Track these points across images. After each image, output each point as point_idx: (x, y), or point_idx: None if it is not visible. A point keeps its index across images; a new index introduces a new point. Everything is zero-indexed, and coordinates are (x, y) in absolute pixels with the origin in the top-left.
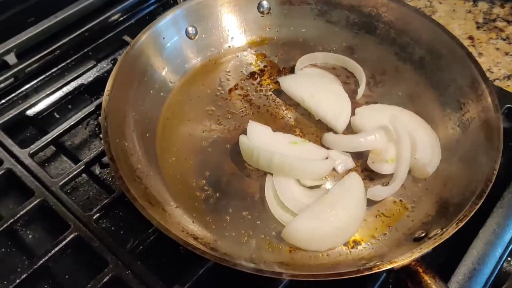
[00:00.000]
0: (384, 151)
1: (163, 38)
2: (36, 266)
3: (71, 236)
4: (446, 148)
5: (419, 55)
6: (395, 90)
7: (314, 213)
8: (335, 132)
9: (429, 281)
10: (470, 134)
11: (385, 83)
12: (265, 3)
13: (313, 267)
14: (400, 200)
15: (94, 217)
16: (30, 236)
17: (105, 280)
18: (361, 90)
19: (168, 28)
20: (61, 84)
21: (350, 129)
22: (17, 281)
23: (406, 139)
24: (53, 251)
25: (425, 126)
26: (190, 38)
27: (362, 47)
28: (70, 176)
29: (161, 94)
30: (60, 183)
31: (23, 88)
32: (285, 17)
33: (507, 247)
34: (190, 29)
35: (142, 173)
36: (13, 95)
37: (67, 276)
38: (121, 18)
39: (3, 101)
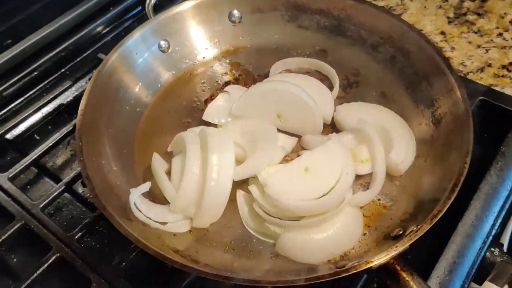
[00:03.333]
0: (358, 151)
1: (136, 53)
2: None
3: (53, 257)
4: (421, 144)
5: (390, 54)
6: (369, 90)
7: (309, 224)
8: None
9: (407, 279)
10: (442, 129)
11: (359, 83)
12: (236, 12)
13: (294, 271)
14: (379, 199)
15: (76, 237)
16: (15, 259)
17: None
18: (335, 91)
19: (138, 45)
20: (40, 105)
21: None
22: None
23: (378, 141)
24: (35, 274)
25: (402, 124)
26: (163, 51)
27: (335, 49)
28: (51, 197)
29: (137, 109)
30: (41, 205)
31: (1, 112)
32: (257, 25)
33: (486, 238)
34: (162, 43)
35: (120, 190)
36: None
37: None
38: (97, 35)
39: None
